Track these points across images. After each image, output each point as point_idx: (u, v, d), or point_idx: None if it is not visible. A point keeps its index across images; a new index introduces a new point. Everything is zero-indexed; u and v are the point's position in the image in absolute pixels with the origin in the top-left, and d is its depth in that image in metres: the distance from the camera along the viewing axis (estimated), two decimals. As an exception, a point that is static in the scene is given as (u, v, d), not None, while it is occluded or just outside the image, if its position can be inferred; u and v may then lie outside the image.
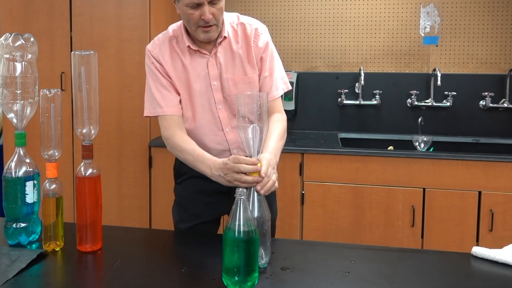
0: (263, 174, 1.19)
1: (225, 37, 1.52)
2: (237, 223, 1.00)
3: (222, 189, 1.61)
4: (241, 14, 1.60)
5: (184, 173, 1.66)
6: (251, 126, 1.16)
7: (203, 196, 1.63)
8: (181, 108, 1.55)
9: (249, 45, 1.54)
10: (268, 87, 1.56)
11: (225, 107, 1.55)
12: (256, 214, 1.13)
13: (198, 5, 1.39)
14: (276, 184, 1.25)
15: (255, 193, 1.16)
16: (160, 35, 1.58)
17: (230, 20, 1.56)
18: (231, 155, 1.56)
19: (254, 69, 1.55)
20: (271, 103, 1.54)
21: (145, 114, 1.59)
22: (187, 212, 1.64)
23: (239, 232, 1.00)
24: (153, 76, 1.54)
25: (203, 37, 1.46)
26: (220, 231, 1.73)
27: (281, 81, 1.61)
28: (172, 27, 1.58)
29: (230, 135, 1.57)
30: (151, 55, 1.54)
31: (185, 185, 1.67)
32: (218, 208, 1.65)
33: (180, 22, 1.56)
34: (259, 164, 1.21)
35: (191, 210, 1.64)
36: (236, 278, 1.00)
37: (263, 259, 1.14)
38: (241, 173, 1.21)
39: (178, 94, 1.55)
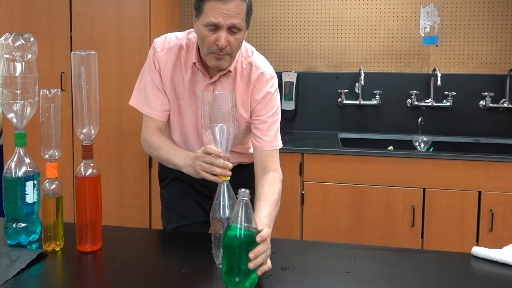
0: (261, 239, 1.02)
1: (229, 71, 1.45)
2: (237, 223, 1.00)
3: (203, 191, 1.62)
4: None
5: (166, 176, 1.68)
6: (218, 126, 1.15)
7: (186, 196, 1.64)
8: (168, 115, 1.53)
9: (247, 90, 1.48)
10: (265, 130, 1.47)
11: None
12: (227, 214, 1.11)
13: (216, 27, 1.31)
14: (269, 263, 1.08)
15: (225, 192, 1.13)
16: (173, 37, 1.50)
17: (245, 54, 1.50)
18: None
19: (247, 112, 1.50)
20: (268, 155, 1.45)
21: (130, 103, 1.55)
22: (174, 213, 1.65)
23: (239, 232, 1.00)
24: (152, 73, 1.51)
25: (212, 64, 1.38)
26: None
27: (279, 135, 1.52)
28: (187, 35, 1.50)
29: None
30: (156, 55, 1.50)
31: (169, 188, 1.68)
32: (202, 209, 1.64)
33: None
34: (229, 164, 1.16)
35: (177, 211, 1.64)
36: (236, 279, 1.00)
37: (218, 259, 1.14)
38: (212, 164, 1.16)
39: (169, 100, 1.52)
